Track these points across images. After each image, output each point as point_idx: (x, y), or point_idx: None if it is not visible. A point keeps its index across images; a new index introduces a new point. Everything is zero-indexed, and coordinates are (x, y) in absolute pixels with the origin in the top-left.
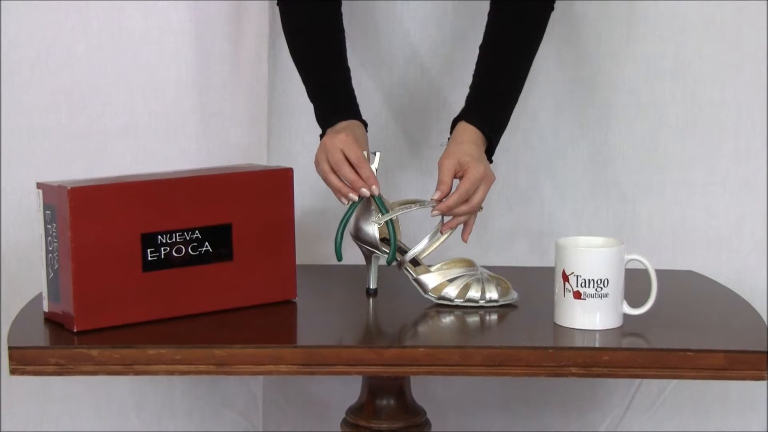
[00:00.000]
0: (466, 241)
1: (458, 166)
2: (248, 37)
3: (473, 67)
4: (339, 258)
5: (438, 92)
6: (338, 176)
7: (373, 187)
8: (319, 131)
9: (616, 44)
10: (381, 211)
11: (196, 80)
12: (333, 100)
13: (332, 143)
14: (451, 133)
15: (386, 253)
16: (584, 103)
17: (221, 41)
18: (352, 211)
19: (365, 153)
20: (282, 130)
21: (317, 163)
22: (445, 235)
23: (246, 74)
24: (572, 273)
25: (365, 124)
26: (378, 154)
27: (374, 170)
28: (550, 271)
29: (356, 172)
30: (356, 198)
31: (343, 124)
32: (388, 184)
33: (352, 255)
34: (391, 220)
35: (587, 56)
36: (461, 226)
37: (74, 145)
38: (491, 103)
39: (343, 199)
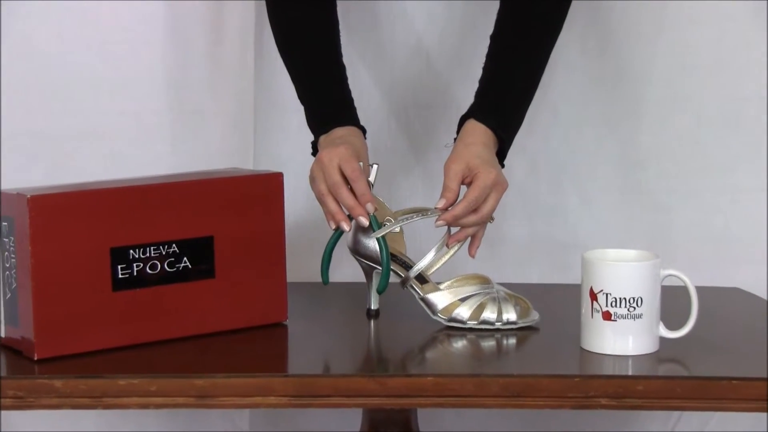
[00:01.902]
0: (473, 256)
1: (466, 171)
2: (232, 27)
3: (484, 59)
4: (325, 281)
5: (445, 87)
6: (335, 199)
7: (369, 205)
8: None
9: (648, 29)
10: (373, 227)
11: (171, 75)
12: (326, 103)
13: (330, 159)
14: (458, 133)
15: (392, 270)
16: (612, 97)
17: (200, 31)
18: (339, 234)
19: (361, 165)
20: (270, 130)
21: (312, 180)
22: (453, 249)
23: (229, 67)
24: (601, 291)
25: (364, 131)
26: (376, 166)
27: (371, 184)
28: (576, 288)
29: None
30: (348, 228)
31: (339, 132)
32: (389, 190)
33: (351, 271)
34: (383, 236)
35: (615, 43)
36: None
37: (34, 148)
38: (503, 99)
39: (333, 224)
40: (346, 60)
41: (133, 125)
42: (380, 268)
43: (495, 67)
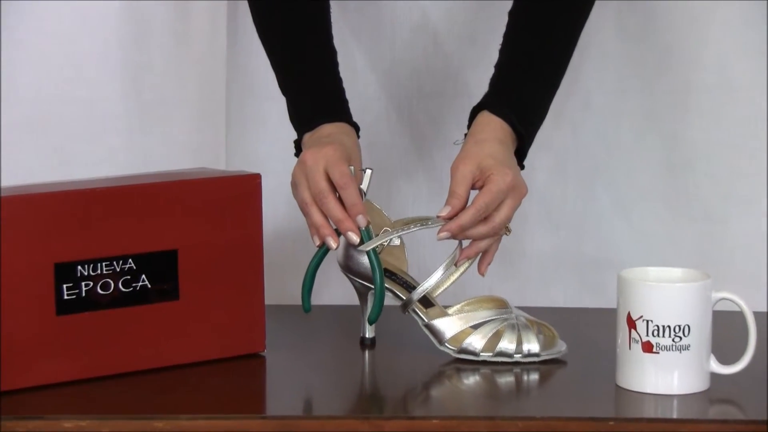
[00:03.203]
0: (483, 274)
1: (477, 173)
2: None
3: (501, 38)
4: (306, 308)
5: (455, 73)
6: (320, 210)
7: (360, 217)
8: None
9: (698, 5)
10: (363, 239)
11: (127, 55)
12: (312, 94)
13: (315, 161)
14: (469, 127)
15: (391, 291)
16: (654, 85)
17: (162, 3)
18: (324, 252)
19: (352, 169)
20: (246, 123)
21: (294, 187)
22: (462, 267)
23: (197, 47)
24: (640, 317)
25: (356, 128)
26: (369, 171)
27: (363, 192)
28: (611, 314)
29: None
30: (335, 246)
31: (326, 129)
32: (388, 197)
33: (342, 292)
34: (374, 249)
35: (658, 21)
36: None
37: None
38: (524, 87)
39: (318, 240)
40: (337, 40)
41: (82, 115)
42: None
43: (514, 49)
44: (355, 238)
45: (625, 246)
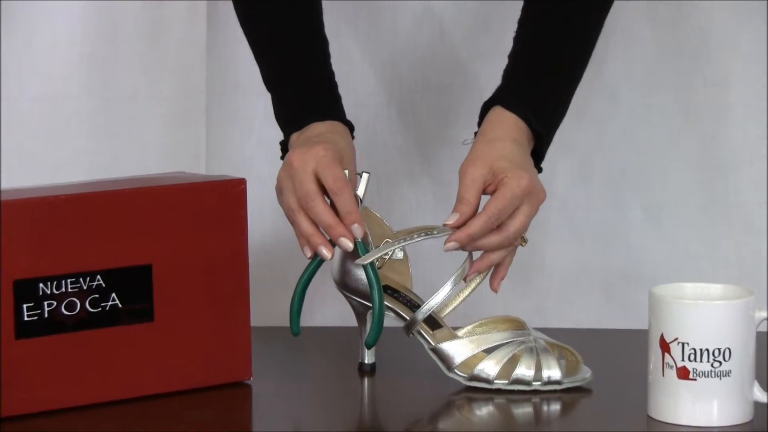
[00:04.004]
0: (495, 290)
1: (489, 176)
2: None
3: (515, 25)
4: (295, 331)
5: (463, 64)
6: (308, 217)
7: (355, 226)
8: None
9: None
10: (359, 252)
11: (95, 47)
12: (301, 89)
13: (302, 163)
14: (480, 125)
15: (393, 311)
16: (689, 78)
17: None
18: (317, 265)
19: (346, 173)
20: (228, 122)
21: (279, 193)
22: (473, 283)
23: (172, 36)
24: (675, 339)
25: (351, 128)
26: (366, 175)
27: (359, 198)
28: (642, 335)
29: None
30: (329, 255)
31: (317, 128)
32: (388, 203)
33: (338, 311)
34: (373, 263)
35: (695, 4)
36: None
37: None
38: (541, 80)
39: (308, 251)
40: (330, 29)
41: (44, 114)
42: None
43: (530, 37)
44: (348, 244)
45: (657, 259)
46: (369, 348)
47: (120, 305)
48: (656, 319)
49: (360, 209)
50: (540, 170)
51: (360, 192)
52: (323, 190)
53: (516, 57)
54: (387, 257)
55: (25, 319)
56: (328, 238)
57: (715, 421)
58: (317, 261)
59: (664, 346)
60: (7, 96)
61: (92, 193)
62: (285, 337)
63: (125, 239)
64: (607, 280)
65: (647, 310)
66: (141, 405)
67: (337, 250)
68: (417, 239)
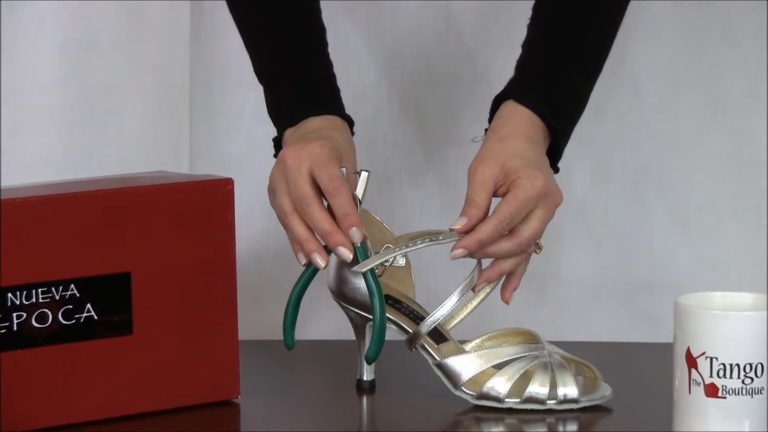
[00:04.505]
0: (507, 302)
1: (500, 177)
2: None
3: (529, 11)
4: (289, 345)
5: (472, 54)
6: (303, 221)
7: (354, 230)
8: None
9: None
10: (358, 258)
11: (69, 32)
12: (295, 81)
13: (297, 161)
14: (490, 121)
15: (394, 323)
16: (719, 67)
17: None
18: (312, 273)
19: (344, 171)
20: (214, 116)
21: (272, 193)
22: (482, 293)
23: (154, 23)
24: (703, 354)
25: (350, 123)
26: (365, 174)
27: (358, 199)
28: (666, 349)
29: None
30: (323, 264)
31: (313, 123)
32: (390, 206)
33: (334, 323)
34: (373, 270)
35: None
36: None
37: None
38: (558, 70)
39: (303, 259)
40: (327, 15)
41: (11, 108)
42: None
43: (546, 24)
44: (347, 254)
45: (682, 266)
46: (369, 363)
47: (96, 317)
48: (682, 331)
49: (359, 211)
50: (556, 170)
51: (358, 192)
52: (320, 192)
53: (530, 46)
54: (388, 264)
55: None
56: (324, 245)
57: None
58: (312, 268)
59: (691, 361)
60: None
61: (65, 194)
62: (276, 352)
63: (101, 245)
64: (628, 289)
65: (672, 322)
66: (118, 426)
67: (333, 256)
68: (421, 245)
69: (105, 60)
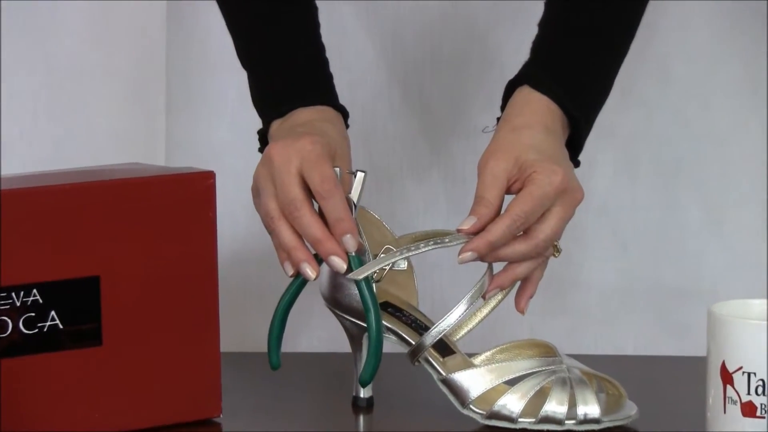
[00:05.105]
0: (522, 311)
1: (514, 171)
2: None
3: None
4: (274, 365)
5: (482, 35)
6: (291, 227)
7: (347, 237)
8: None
9: None
10: (352, 265)
11: (33, 11)
12: (283, 68)
13: (285, 159)
14: (503, 108)
15: (395, 333)
16: (757, 49)
17: None
18: (300, 285)
19: (337, 171)
20: (193, 103)
21: (256, 194)
22: (493, 301)
23: (128, 6)
24: (739, 369)
25: (345, 114)
26: (361, 175)
27: (353, 202)
28: (699, 363)
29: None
30: (313, 276)
31: (303, 115)
32: (392, 202)
33: (326, 333)
34: (369, 277)
35: None
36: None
37: None
38: (578, 53)
39: (290, 269)
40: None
41: None
42: None
43: (564, 4)
44: (340, 265)
45: (717, 271)
46: (363, 386)
47: (61, 326)
48: (716, 343)
49: (354, 215)
50: (577, 164)
51: (354, 195)
52: (310, 194)
53: (547, 25)
54: (388, 269)
55: None
56: (314, 253)
57: None
58: (301, 280)
59: (726, 377)
60: None
61: (28, 188)
62: (262, 366)
63: (67, 246)
64: (656, 296)
65: (705, 333)
66: None
67: (323, 270)
68: (424, 249)
69: (73, 41)
